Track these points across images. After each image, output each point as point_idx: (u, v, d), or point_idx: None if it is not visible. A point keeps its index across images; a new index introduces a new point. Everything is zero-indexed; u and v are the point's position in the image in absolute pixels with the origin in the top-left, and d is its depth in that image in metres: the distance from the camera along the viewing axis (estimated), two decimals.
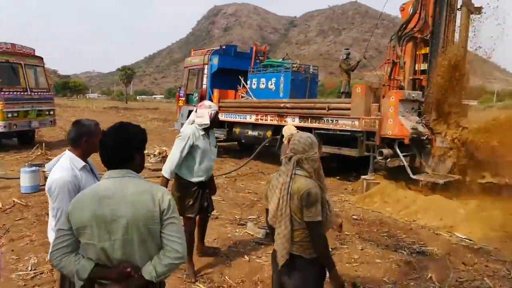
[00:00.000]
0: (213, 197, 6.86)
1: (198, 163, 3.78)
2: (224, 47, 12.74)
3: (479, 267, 4.24)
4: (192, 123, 3.84)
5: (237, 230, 5.18)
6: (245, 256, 4.31)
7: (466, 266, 4.26)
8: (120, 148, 1.73)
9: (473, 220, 5.49)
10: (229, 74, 12.12)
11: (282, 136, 8.32)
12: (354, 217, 5.90)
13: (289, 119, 9.30)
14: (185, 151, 3.69)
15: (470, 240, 5.04)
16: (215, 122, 3.86)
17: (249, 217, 5.68)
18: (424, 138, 7.18)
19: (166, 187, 3.60)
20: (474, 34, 7.70)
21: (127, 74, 76.51)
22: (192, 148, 3.71)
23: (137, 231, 1.65)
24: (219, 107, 11.62)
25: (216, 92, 11.69)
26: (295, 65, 11.27)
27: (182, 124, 12.47)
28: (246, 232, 5.11)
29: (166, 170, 3.72)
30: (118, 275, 1.65)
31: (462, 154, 7.01)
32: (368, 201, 6.76)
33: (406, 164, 7.08)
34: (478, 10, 7.54)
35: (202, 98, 12.15)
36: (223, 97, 11.78)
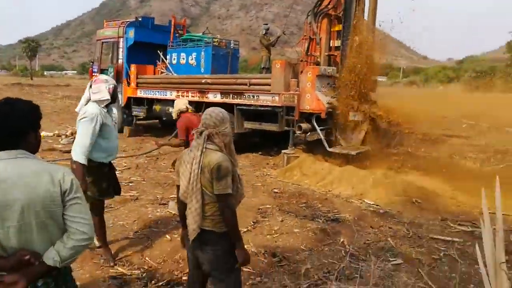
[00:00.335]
0: (133, 178, 6.69)
1: (108, 142, 3.57)
2: (140, 19, 12.03)
3: (384, 229, 4.69)
4: (88, 101, 3.54)
5: (159, 210, 5.07)
6: (167, 236, 4.26)
7: (373, 229, 4.68)
8: (6, 127, 1.56)
9: (380, 187, 6.03)
10: (146, 48, 11.53)
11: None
12: (275, 190, 6.12)
13: (210, 95, 9.20)
14: (97, 132, 3.44)
15: (377, 205, 5.54)
16: (114, 97, 3.61)
17: (171, 196, 5.58)
18: (339, 112, 7.59)
19: (83, 174, 3.33)
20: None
21: (31, 46, 68.41)
22: (102, 127, 3.46)
23: (35, 215, 1.52)
24: (137, 83, 11.09)
25: (133, 67, 11.10)
26: (215, 40, 11.07)
27: None
28: (168, 211, 5.03)
29: (80, 156, 3.34)
30: (15, 264, 1.51)
31: (372, 127, 7.59)
32: (288, 174, 7.04)
33: (323, 137, 7.46)
34: None
35: (118, 74, 11.48)
36: (142, 72, 11.22)
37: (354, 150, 7.10)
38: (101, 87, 3.52)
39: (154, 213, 4.96)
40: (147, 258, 3.74)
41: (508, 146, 8.58)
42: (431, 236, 4.46)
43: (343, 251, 4.04)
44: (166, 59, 11.37)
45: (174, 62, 11.14)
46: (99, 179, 3.59)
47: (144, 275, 3.46)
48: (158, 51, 11.48)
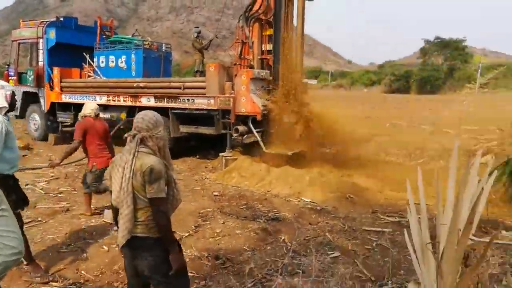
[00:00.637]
0: (63, 188, 6.24)
1: (12, 152, 3.26)
2: (62, 19, 11.27)
3: (322, 224, 4.89)
4: None
5: (93, 220, 4.80)
6: (104, 246, 4.04)
7: (311, 225, 4.87)
8: None
9: (316, 185, 6.29)
10: (70, 50, 10.83)
11: None
12: (215, 193, 6.10)
13: (144, 100, 8.91)
14: (2, 143, 3.10)
15: (314, 202, 5.77)
16: (13, 105, 3.34)
17: (106, 205, 5.30)
18: (273, 114, 7.78)
19: None
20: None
21: None
22: (6, 137, 3.15)
23: None
24: (62, 87, 10.38)
25: (56, 70, 10.37)
26: (146, 43, 10.75)
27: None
28: (103, 220, 4.77)
29: None
30: None
31: (306, 128, 7.88)
32: (227, 177, 7.05)
33: (259, 139, 7.59)
34: None
35: (39, 77, 10.68)
36: (66, 76, 10.52)
37: (289, 151, 7.32)
38: None
39: (88, 223, 4.68)
40: (83, 272, 3.52)
41: (425, 142, 9.43)
42: (364, 228, 4.75)
43: (284, 248, 4.15)
44: (93, 61, 10.79)
45: (102, 65, 10.60)
46: (8, 192, 3.28)
47: None
48: (84, 54, 10.85)
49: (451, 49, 49.29)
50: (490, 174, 1.84)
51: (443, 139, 9.57)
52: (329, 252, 4.06)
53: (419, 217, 1.98)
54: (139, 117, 2.26)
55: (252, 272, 3.60)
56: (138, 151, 2.15)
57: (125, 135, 2.28)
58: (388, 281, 3.45)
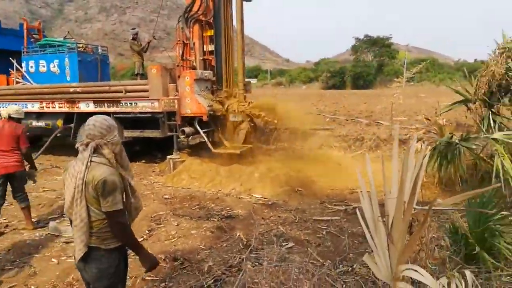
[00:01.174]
0: None
1: None
2: None
3: (274, 218, 5.07)
4: None
5: (37, 234, 4.55)
6: (53, 260, 3.87)
7: (264, 220, 5.02)
8: None
9: (265, 181, 6.48)
10: None
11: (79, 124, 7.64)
12: (166, 196, 6.04)
13: (82, 105, 8.52)
14: None
15: (265, 198, 5.95)
16: None
17: (50, 217, 5.05)
18: (219, 114, 7.85)
19: None
20: None
21: None
22: None
23: None
24: None
25: None
26: (80, 45, 10.28)
27: None
28: (49, 233, 4.54)
29: None
30: None
31: (251, 126, 8.05)
32: (176, 179, 7.00)
33: (206, 139, 7.63)
34: None
35: None
36: None
37: (237, 149, 7.43)
38: None
39: (33, 238, 4.44)
40: (32, 287, 3.35)
41: (362, 134, 10.04)
42: (314, 218, 5.01)
43: (240, 244, 4.25)
44: (21, 66, 10.08)
45: (32, 70, 9.96)
46: None
47: None
48: (11, 59, 10.10)
49: (379, 46, 52.58)
50: (424, 157, 2.12)
51: (378, 130, 10.26)
52: (283, 244, 4.24)
53: (370, 196, 2.20)
54: (90, 123, 2.14)
55: (211, 269, 3.66)
56: (91, 161, 2.05)
57: (77, 144, 2.20)
58: (339, 264, 3.70)
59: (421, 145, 8.51)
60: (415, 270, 1.57)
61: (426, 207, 1.60)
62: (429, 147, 5.89)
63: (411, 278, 1.65)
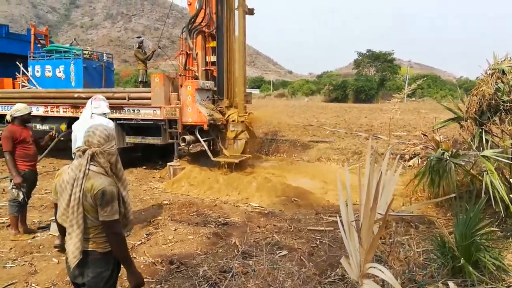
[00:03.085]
0: (1, 204, 5.93)
1: None
2: None
3: (270, 227, 5.18)
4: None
5: (38, 235, 4.67)
6: (53, 259, 3.99)
7: (260, 228, 5.14)
8: None
9: (263, 190, 6.61)
10: (1, 59, 10.27)
11: None
12: (165, 202, 6.16)
13: None
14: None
15: (261, 207, 6.07)
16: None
17: (51, 219, 5.16)
18: (219, 123, 8.02)
19: None
20: None
21: None
22: None
23: None
24: None
25: None
26: (86, 52, 10.50)
27: None
28: (50, 234, 4.66)
29: None
30: None
31: (251, 136, 8.21)
32: (176, 186, 7.13)
33: (206, 148, 7.77)
34: (251, 11, 8.79)
35: None
36: None
37: (236, 159, 7.57)
38: (101, 103, 4.69)
39: (34, 238, 4.55)
40: (33, 285, 3.47)
41: (360, 147, 10.19)
42: (309, 228, 5.12)
43: (235, 251, 4.36)
44: (27, 71, 10.30)
45: (38, 74, 10.17)
46: None
47: None
48: (18, 63, 10.32)
49: (381, 61, 53.08)
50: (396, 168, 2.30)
51: (376, 144, 10.41)
52: (277, 252, 4.35)
53: (346, 204, 2.36)
54: (90, 130, 2.15)
55: (206, 274, 3.78)
56: (88, 169, 2.05)
57: (74, 149, 2.26)
58: (331, 274, 3.81)
59: (418, 160, 8.68)
60: (379, 269, 1.71)
61: (391, 213, 1.75)
62: (425, 163, 6.05)
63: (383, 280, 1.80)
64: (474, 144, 4.62)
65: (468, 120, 4.90)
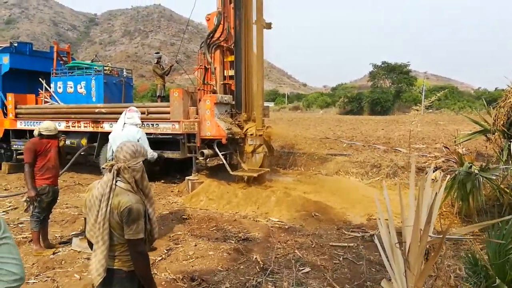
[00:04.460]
0: (23, 218, 6.00)
1: None
2: (16, 45, 10.96)
3: (291, 242, 5.09)
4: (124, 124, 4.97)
5: (60, 250, 4.68)
6: (75, 275, 3.97)
7: (281, 243, 5.04)
8: None
9: (282, 205, 6.51)
10: (25, 76, 10.58)
11: (102, 143, 8.04)
12: (184, 217, 6.14)
13: (106, 125, 8.82)
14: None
15: (281, 221, 5.97)
16: None
17: (73, 233, 5.19)
18: (238, 137, 8.00)
19: None
20: None
21: None
22: None
23: None
24: (17, 114, 10.03)
25: (10, 96, 10.02)
26: (107, 68, 10.70)
27: None
28: (72, 249, 4.67)
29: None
30: None
31: (269, 150, 8.16)
32: (194, 200, 7.11)
33: (225, 162, 7.75)
34: (269, 25, 8.83)
35: None
36: (21, 102, 10.20)
37: (255, 172, 7.52)
38: (134, 115, 5.17)
39: (56, 253, 4.56)
40: None
41: (379, 160, 10.03)
42: (331, 244, 5.00)
43: (257, 267, 4.28)
44: (50, 87, 10.54)
45: (60, 90, 10.39)
46: None
47: None
48: (41, 79, 10.58)
49: (397, 73, 52.71)
50: (440, 187, 2.19)
51: (395, 157, 10.23)
52: (300, 268, 4.25)
53: (387, 223, 2.26)
54: (119, 146, 2.18)
55: None
56: (115, 185, 2.06)
57: (103, 165, 2.28)
58: None
59: (440, 174, 8.45)
60: None
61: (441, 236, 1.66)
62: (448, 176, 5.88)
63: None
64: (503, 158, 4.47)
65: (496, 133, 4.76)
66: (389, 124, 25.59)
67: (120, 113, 8.66)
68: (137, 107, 8.80)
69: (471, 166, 4.62)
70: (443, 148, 10.31)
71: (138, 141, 4.62)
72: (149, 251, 3.98)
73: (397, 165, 9.19)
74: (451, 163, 8.38)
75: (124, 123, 5.02)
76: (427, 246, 1.81)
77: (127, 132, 4.96)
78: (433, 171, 8.01)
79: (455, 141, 7.56)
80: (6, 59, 10.25)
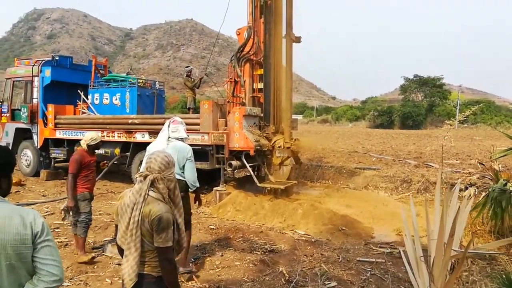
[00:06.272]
0: (56, 222, 6.27)
1: None
2: (57, 58, 11.57)
3: (317, 256, 5.06)
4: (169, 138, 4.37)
5: (93, 255, 4.85)
6: (107, 280, 4.12)
7: (307, 257, 5.02)
8: None
9: (309, 218, 6.49)
10: (65, 88, 11.13)
11: (134, 152, 8.20)
12: (211, 227, 6.22)
13: (138, 135, 9.11)
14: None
15: (308, 235, 5.95)
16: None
17: (105, 239, 5.38)
18: (266, 149, 8.07)
19: None
20: None
21: None
22: None
23: (5, 257, 1.56)
24: (56, 124, 10.54)
25: (51, 107, 10.54)
26: (141, 81, 11.10)
27: (6, 144, 10.81)
28: (104, 255, 4.84)
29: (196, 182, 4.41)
30: None
31: (296, 162, 8.17)
32: (222, 211, 7.19)
33: (252, 173, 7.81)
34: (298, 39, 8.92)
35: (33, 114, 10.82)
36: (60, 113, 10.69)
37: (282, 185, 7.54)
38: (179, 127, 4.46)
39: (93, 258, 4.73)
40: None
41: (410, 175, 9.80)
42: (358, 259, 4.93)
43: (283, 280, 4.28)
44: (87, 99, 11.03)
45: (96, 102, 10.84)
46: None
47: None
48: (79, 91, 11.10)
49: (430, 86, 51.45)
50: (467, 203, 2.16)
51: (427, 172, 9.97)
52: (326, 283, 4.22)
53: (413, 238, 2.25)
54: (151, 157, 2.23)
55: None
56: (148, 194, 2.13)
57: (136, 174, 2.38)
58: None
59: (474, 191, 8.17)
60: None
61: (471, 251, 1.64)
62: (483, 194, 5.68)
63: None
64: None
65: None
66: (420, 138, 24.92)
67: (152, 124, 9.05)
68: (167, 118, 9.15)
69: (506, 183, 4.46)
70: (478, 164, 9.97)
71: (187, 160, 4.30)
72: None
73: (428, 180, 8.96)
74: (486, 180, 8.08)
75: (169, 137, 4.34)
76: (453, 261, 1.79)
77: (177, 149, 4.27)
78: (467, 188, 7.77)
79: (490, 157, 7.28)
80: (48, 72, 10.83)
